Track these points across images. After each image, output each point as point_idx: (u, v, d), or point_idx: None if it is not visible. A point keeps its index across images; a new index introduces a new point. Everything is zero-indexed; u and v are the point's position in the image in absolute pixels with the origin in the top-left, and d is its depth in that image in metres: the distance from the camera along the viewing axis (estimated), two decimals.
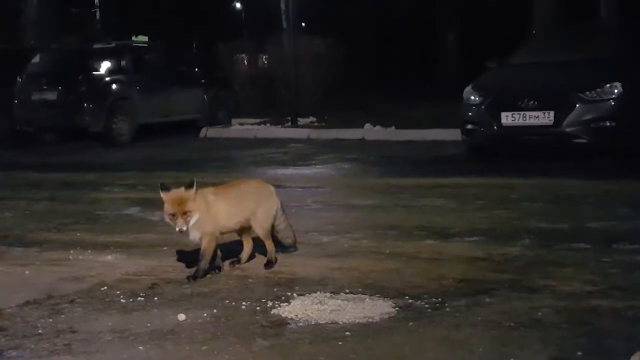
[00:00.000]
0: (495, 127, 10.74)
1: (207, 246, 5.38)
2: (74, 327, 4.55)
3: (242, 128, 17.37)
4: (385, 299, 4.88)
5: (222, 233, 5.55)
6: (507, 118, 10.60)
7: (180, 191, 5.11)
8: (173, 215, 5.05)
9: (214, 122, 17.55)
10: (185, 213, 5.06)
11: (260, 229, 5.57)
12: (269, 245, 5.66)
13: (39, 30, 22.13)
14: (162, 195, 5.15)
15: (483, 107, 10.95)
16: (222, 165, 12.30)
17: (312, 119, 17.46)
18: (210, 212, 5.29)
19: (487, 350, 3.96)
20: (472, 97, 11.16)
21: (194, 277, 5.39)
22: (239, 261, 5.79)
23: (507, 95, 10.77)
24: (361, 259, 5.88)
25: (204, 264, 5.41)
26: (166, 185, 5.24)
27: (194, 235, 5.32)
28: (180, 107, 17.14)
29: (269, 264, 5.65)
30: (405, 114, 16.73)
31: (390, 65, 19.62)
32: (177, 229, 5.11)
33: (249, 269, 5.68)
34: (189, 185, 5.16)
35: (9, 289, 5.38)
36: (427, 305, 4.73)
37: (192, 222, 5.13)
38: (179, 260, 6.02)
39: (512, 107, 10.57)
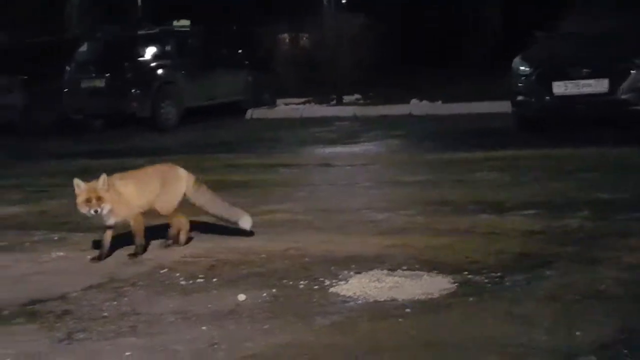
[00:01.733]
0: (546, 98, 10.63)
1: (135, 225, 5.80)
2: (137, 309, 4.63)
3: (287, 108, 17.40)
4: (444, 275, 4.88)
5: (143, 211, 5.87)
6: (559, 88, 10.48)
7: (93, 183, 5.55)
8: (88, 200, 5.48)
9: (258, 103, 17.58)
10: (99, 199, 5.48)
11: (163, 210, 5.93)
12: (177, 222, 6.03)
13: (83, 19, 22.32)
14: (76, 188, 5.56)
15: (533, 77, 10.83)
16: (269, 145, 12.34)
17: (357, 96, 17.41)
18: (121, 197, 5.67)
19: (551, 324, 3.94)
20: (522, 68, 11.04)
21: (134, 254, 5.76)
22: (176, 242, 6.02)
23: (558, 64, 10.65)
24: (416, 236, 5.88)
25: (139, 240, 5.82)
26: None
27: (111, 221, 5.70)
28: (225, 90, 17.19)
29: (172, 242, 6.03)
30: (451, 87, 16.60)
31: (433, 39, 19.45)
32: (91, 212, 5.52)
33: (304, 248, 5.71)
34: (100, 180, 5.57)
35: (73, 273, 5.49)
36: (486, 280, 4.72)
37: (105, 210, 5.55)
38: (234, 241, 6.07)
39: (564, 77, 10.44)
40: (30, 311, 4.72)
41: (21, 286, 5.28)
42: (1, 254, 6.16)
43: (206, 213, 6.12)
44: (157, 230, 6.13)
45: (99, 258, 5.75)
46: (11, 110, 16.49)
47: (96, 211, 5.52)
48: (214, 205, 6.08)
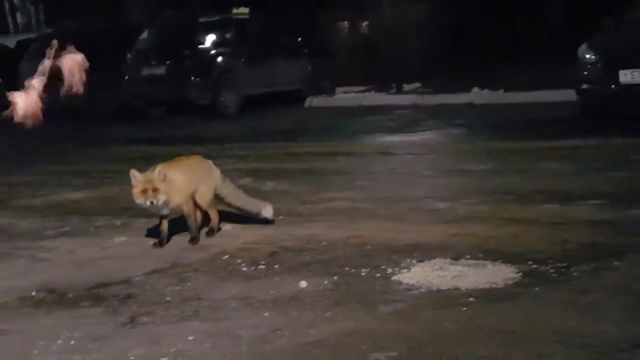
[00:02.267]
0: (612, 86, 10.41)
1: (187, 211, 5.84)
2: (200, 294, 4.65)
3: (346, 96, 17.34)
4: (508, 264, 4.81)
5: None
6: (626, 76, 10.26)
7: (149, 175, 5.57)
8: (145, 191, 5.50)
9: (317, 91, 17.54)
10: (154, 190, 5.51)
11: (203, 200, 5.95)
12: (214, 214, 6.06)
13: (143, 6, 22.54)
14: (133, 179, 5.59)
15: (599, 65, 10.63)
16: (329, 133, 12.31)
17: (417, 84, 17.27)
18: (174, 186, 5.69)
19: (619, 316, 3.86)
20: (588, 56, 10.83)
21: (193, 239, 5.83)
22: (212, 231, 6.03)
23: (625, 52, 10.42)
24: (479, 225, 5.81)
25: (193, 225, 5.88)
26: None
27: (165, 211, 5.74)
28: (284, 78, 17.19)
29: (211, 232, 6.01)
30: (513, 76, 16.34)
31: (494, 28, 19.19)
32: (147, 203, 5.55)
33: (366, 236, 5.68)
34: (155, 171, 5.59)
35: (136, 258, 5.54)
36: (552, 270, 4.64)
37: (161, 201, 5.58)
38: (295, 228, 6.06)
39: (631, 65, 10.22)
40: (95, 295, 4.78)
41: (86, 270, 5.36)
42: (66, 239, 6.25)
43: (229, 205, 6.15)
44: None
45: (160, 244, 5.80)
46: (73, 97, 16.72)
47: (152, 202, 5.56)
48: (238, 197, 6.15)
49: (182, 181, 5.79)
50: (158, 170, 5.58)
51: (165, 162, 5.83)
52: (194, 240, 5.83)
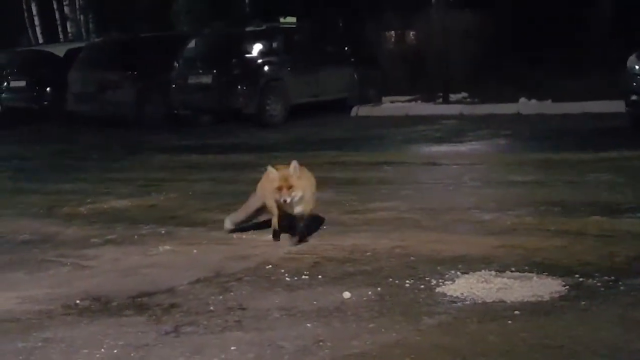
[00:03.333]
0: None
1: (308, 212, 5.90)
2: (243, 304, 4.64)
3: (393, 106, 17.30)
4: (554, 277, 4.73)
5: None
6: None
7: (285, 171, 5.68)
8: (280, 188, 5.59)
9: (363, 100, 17.52)
10: (290, 187, 5.57)
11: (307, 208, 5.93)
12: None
13: (190, 15, 22.74)
14: (269, 175, 5.78)
15: None
16: (375, 143, 12.28)
17: (463, 94, 17.17)
18: (307, 183, 5.82)
19: None
20: (637, 67, 10.66)
21: (301, 239, 5.88)
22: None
23: None
24: (525, 237, 5.73)
25: (303, 227, 5.91)
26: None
27: (298, 209, 5.78)
28: (330, 87, 17.21)
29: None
30: (561, 86, 16.16)
31: (542, 37, 18.99)
32: (281, 200, 5.62)
33: (410, 247, 5.63)
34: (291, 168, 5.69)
35: (180, 267, 5.55)
36: (599, 284, 4.55)
37: (297, 198, 5.65)
38: (339, 239, 6.04)
39: None
40: (139, 303, 4.79)
41: (130, 279, 5.37)
42: (111, 247, 6.29)
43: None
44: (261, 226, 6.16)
45: (276, 237, 6.00)
46: (122, 105, 16.95)
47: (288, 199, 5.65)
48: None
49: (312, 181, 5.93)
50: (294, 166, 5.67)
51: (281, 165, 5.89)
52: (303, 238, 5.90)
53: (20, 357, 3.99)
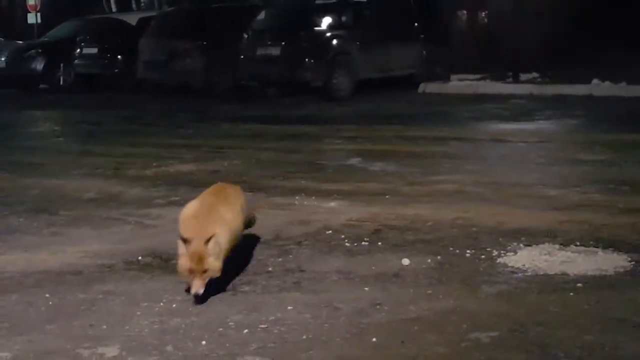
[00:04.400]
0: None
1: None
2: (302, 266, 4.64)
3: (461, 84, 17.07)
4: (620, 252, 4.63)
5: None
6: None
7: (199, 246, 3.91)
8: (191, 271, 3.91)
9: (431, 77, 17.32)
10: (204, 272, 3.92)
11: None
12: None
13: None
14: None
15: None
16: (441, 119, 12.14)
17: (534, 74, 16.85)
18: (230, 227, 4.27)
19: None
20: None
21: None
22: None
23: None
24: (592, 213, 5.60)
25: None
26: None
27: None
28: (398, 62, 17.03)
29: None
30: (637, 68, 15.76)
31: (617, 18, 18.53)
32: (193, 293, 3.98)
33: (472, 219, 5.56)
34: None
35: None
36: None
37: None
38: (401, 208, 5.99)
39: None
40: None
41: None
42: (174, 208, 6.27)
43: None
44: None
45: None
46: (191, 74, 17.07)
47: (197, 294, 3.98)
48: None
49: (237, 208, 4.52)
50: (213, 243, 3.94)
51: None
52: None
53: (82, 307, 4.05)
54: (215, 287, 4.08)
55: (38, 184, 7.41)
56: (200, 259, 3.87)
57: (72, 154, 9.76)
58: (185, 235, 3.95)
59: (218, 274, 3.98)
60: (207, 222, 4.06)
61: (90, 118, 13.75)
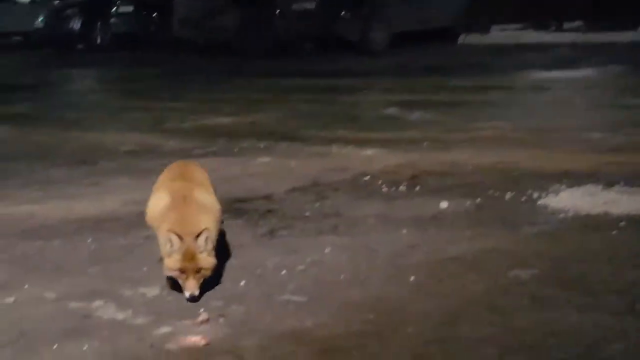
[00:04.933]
0: None
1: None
2: (339, 211, 4.61)
3: (502, 34, 16.87)
4: None
5: None
6: None
7: (191, 243, 3.35)
8: (183, 271, 3.35)
9: (471, 28, 17.09)
10: (198, 271, 3.35)
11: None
12: None
13: None
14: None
15: None
16: (481, 69, 12.01)
17: (578, 23, 16.56)
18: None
19: None
20: None
21: None
22: None
23: None
24: (636, 154, 5.50)
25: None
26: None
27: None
28: (436, 14, 16.80)
29: None
30: None
31: None
32: (187, 296, 3.34)
33: (513, 163, 5.48)
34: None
35: (277, 177, 5.55)
36: None
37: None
38: (439, 154, 5.93)
39: None
40: (237, 208, 4.81)
41: (229, 186, 5.38)
42: (211, 158, 6.34)
43: None
44: None
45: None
46: (226, 31, 17.00)
47: (193, 297, 3.32)
48: None
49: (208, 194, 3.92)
50: (204, 238, 3.37)
51: None
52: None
53: (123, 252, 4.07)
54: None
55: (78, 138, 7.46)
56: (192, 256, 3.31)
57: (110, 109, 9.82)
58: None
59: (212, 272, 3.39)
60: (189, 214, 3.46)
61: (128, 75, 13.82)
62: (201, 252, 3.32)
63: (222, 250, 3.76)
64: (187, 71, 14.12)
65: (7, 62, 18.03)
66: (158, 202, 3.62)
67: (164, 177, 3.90)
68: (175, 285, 3.39)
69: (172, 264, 3.34)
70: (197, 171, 3.97)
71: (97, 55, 18.24)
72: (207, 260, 3.35)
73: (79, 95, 11.90)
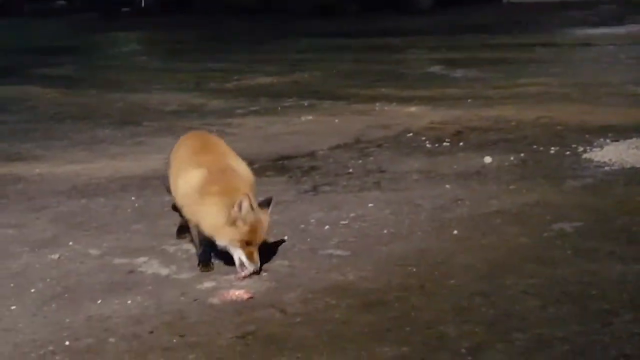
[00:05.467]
0: None
1: None
2: (382, 167, 4.61)
3: None
4: None
5: None
6: None
7: (259, 214, 3.15)
8: (249, 243, 3.11)
9: None
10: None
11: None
12: None
13: None
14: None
15: None
16: (526, 27, 11.86)
17: None
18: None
19: None
20: None
21: None
22: None
23: None
24: None
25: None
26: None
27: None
28: None
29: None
30: None
31: None
32: (242, 274, 3.12)
33: (557, 117, 5.42)
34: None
35: (320, 134, 5.56)
36: None
37: None
38: (483, 110, 5.89)
39: None
40: (280, 166, 4.84)
41: (272, 144, 5.43)
42: (254, 117, 6.37)
43: None
44: None
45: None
46: None
47: (250, 273, 3.08)
48: None
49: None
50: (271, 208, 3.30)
51: None
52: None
53: (166, 209, 4.11)
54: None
55: (122, 99, 7.53)
56: (261, 227, 3.10)
57: (154, 70, 9.87)
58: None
59: None
60: (234, 183, 3.21)
61: (172, 37, 13.87)
62: (266, 222, 3.13)
63: None
64: (231, 32, 14.13)
65: (52, 25, 18.21)
66: (194, 179, 3.25)
67: (185, 152, 3.50)
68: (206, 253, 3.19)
69: (239, 234, 3.07)
70: (219, 141, 3.64)
71: (141, 18, 18.32)
72: (266, 231, 3.16)
73: (123, 57, 11.97)
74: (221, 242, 3.14)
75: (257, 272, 3.10)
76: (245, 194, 3.07)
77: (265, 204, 3.23)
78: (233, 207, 3.06)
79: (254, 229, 3.08)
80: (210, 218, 3.14)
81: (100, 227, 3.84)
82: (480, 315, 2.61)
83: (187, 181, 3.29)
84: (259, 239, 3.12)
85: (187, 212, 3.28)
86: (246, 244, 3.09)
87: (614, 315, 2.53)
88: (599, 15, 12.62)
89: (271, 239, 3.51)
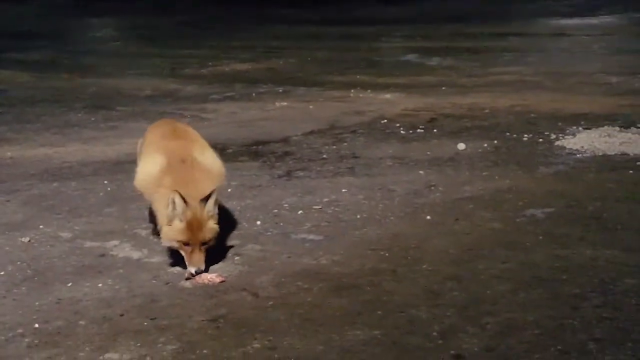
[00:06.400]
0: None
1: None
2: (356, 153, 4.61)
3: None
4: None
5: None
6: None
7: (196, 205, 2.92)
8: (190, 241, 2.93)
9: None
10: (205, 242, 2.95)
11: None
12: None
13: None
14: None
15: None
16: (501, 16, 11.89)
17: None
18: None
19: None
20: None
21: None
22: None
23: None
24: None
25: None
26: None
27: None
28: None
29: None
30: None
31: None
32: (190, 272, 2.93)
33: (531, 105, 5.45)
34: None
35: (295, 120, 5.55)
36: None
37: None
38: (457, 98, 5.91)
39: None
40: (254, 151, 4.83)
41: (246, 130, 5.41)
42: (229, 102, 6.35)
43: None
44: None
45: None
46: None
47: (195, 273, 2.90)
48: None
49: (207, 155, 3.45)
50: (213, 202, 2.96)
51: None
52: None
53: (138, 194, 4.10)
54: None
55: (96, 84, 7.48)
56: (200, 226, 2.88)
57: (129, 56, 9.81)
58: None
59: (215, 242, 2.99)
60: (191, 175, 3.02)
61: (147, 23, 13.79)
62: (209, 220, 2.89)
63: (239, 190, 3.78)
64: (207, 18, 14.06)
65: (25, 10, 18.01)
66: (151, 166, 3.10)
67: (152, 137, 3.36)
68: (175, 253, 3.02)
69: (174, 233, 2.89)
70: (188, 129, 3.46)
71: (117, 4, 18.17)
72: (213, 229, 2.92)
73: (97, 42, 11.89)
74: (164, 242, 2.98)
75: (199, 274, 2.87)
76: (175, 190, 2.84)
77: (204, 199, 2.90)
78: (173, 202, 2.85)
79: (190, 227, 2.87)
80: (159, 215, 2.99)
81: (72, 210, 3.82)
82: (451, 299, 2.62)
83: (145, 168, 3.16)
84: (199, 239, 2.88)
85: (147, 198, 3.19)
86: (184, 244, 2.89)
87: (584, 300, 2.55)
88: (573, 6, 12.70)
89: (244, 223, 3.51)
